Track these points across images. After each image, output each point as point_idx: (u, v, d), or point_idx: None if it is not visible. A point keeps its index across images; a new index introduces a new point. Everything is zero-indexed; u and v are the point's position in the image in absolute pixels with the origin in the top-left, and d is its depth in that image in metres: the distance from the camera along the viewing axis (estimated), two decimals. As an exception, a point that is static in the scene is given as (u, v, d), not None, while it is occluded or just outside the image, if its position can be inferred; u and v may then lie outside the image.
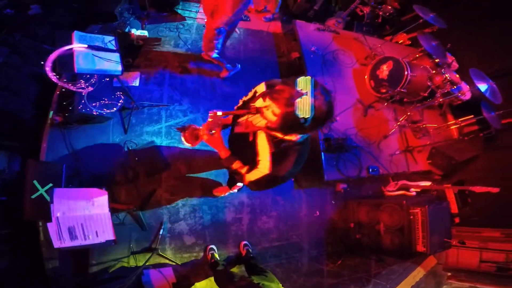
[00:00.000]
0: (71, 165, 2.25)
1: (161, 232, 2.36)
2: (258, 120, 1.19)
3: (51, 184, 1.76)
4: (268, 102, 0.99)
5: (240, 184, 2.05)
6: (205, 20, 2.59)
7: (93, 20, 2.79)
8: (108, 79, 2.36)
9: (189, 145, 1.39)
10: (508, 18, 3.39)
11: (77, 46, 1.82)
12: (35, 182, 1.72)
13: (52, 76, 1.71)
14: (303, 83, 0.90)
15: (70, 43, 1.82)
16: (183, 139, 1.40)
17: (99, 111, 2.30)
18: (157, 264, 2.31)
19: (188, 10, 3.47)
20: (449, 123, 3.62)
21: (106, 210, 1.70)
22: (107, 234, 1.67)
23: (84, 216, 1.62)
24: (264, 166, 1.16)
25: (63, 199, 1.59)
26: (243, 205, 2.74)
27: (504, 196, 2.55)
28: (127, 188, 2.40)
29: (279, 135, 1.10)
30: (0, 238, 1.92)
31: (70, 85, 1.91)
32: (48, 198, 1.66)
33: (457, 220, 3.41)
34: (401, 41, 4.27)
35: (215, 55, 2.73)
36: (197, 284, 2.35)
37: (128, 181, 2.42)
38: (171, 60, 3.05)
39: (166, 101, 2.83)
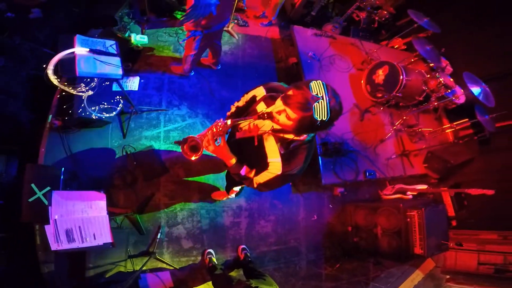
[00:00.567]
0: (70, 169, 2.25)
1: (158, 236, 2.35)
2: (263, 124, 1.22)
3: (49, 188, 1.75)
4: (280, 106, 1.01)
5: (237, 189, 2.03)
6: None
7: (93, 25, 2.82)
8: (108, 83, 2.38)
9: (192, 158, 1.22)
10: (501, 23, 3.47)
11: (79, 50, 1.84)
12: (32, 185, 1.71)
13: (54, 79, 1.73)
14: (317, 87, 0.94)
15: (72, 46, 1.84)
16: (182, 152, 1.24)
17: (98, 115, 2.32)
18: (155, 268, 2.30)
19: (187, 16, 3.52)
20: (444, 126, 3.67)
21: (104, 212, 1.70)
22: (105, 236, 1.67)
23: (82, 218, 1.62)
24: (275, 167, 1.18)
25: (61, 201, 1.59)
26: (241, 209, 2.75)
27: (499, 198, 2.60)
28: (126, 192, 2.41)
29: (290, 136, 1.13)
30: (-2, 242, 1.91)
31: (71, 88, 1.93)
32: (45, 201, 1.66)
33: (454, 223, 3.43)
34: (397, 45, 4.34)
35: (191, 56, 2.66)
36: (194, 288, 2.34)
37: (127, 185, 2.42)
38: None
39: (165, 106, 2.85)
